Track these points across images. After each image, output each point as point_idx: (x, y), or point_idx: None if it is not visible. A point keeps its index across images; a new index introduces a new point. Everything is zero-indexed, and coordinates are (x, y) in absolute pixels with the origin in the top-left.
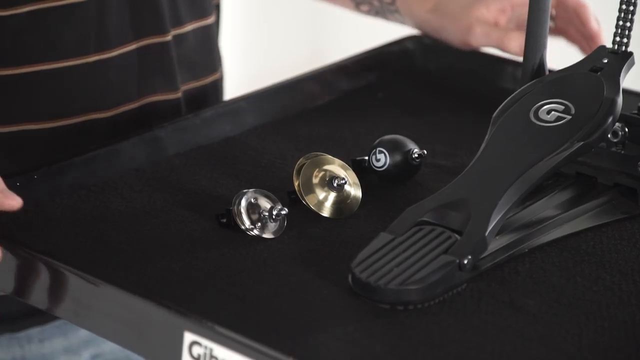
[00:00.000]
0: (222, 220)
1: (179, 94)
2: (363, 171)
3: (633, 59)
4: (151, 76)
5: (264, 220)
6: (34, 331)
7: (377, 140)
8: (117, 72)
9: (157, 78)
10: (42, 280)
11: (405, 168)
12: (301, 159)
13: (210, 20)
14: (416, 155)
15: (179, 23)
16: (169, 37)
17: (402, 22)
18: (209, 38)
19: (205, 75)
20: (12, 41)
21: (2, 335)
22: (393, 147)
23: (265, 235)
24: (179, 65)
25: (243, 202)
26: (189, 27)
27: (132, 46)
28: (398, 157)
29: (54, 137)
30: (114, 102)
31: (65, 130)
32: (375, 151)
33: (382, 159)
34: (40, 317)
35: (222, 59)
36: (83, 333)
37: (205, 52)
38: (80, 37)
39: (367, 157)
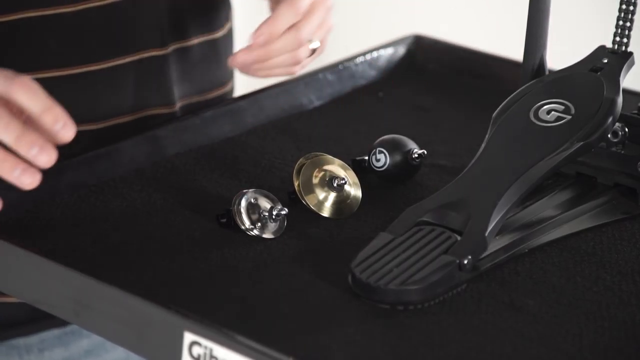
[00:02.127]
0: (222, 220)
1: (175, 108)
2: (363, 171)
3: (633, 59)
4: (146, 90)
5: (264, 221)
6: (34, 341)
7: (377, 140)
8: (107, 84)
9: (152, 92)
10: (42, 280)
11: (405, 168)
12: (301, 159)
13: (220, 33)
14: (416, 155)
15: (182, 37)
16: (167, 51)
17: None
18: (217, 52)
19: (210, 90)
20: None
21: (3, 344)
22: (393, 147)
23: (265, 235)
24: (181, 79)
25: (243, 202)
26: (194, 41)
27: (126, 59)
28: (398, 157)
29: None
30: (104, 115)
31: None
32: (375, 151)
33: (382, 159)
34: (38, 323)
35: (232, 73)
36: (84, 343)
37: (212, 66)
38: (63, 49)
39: (367, 157)
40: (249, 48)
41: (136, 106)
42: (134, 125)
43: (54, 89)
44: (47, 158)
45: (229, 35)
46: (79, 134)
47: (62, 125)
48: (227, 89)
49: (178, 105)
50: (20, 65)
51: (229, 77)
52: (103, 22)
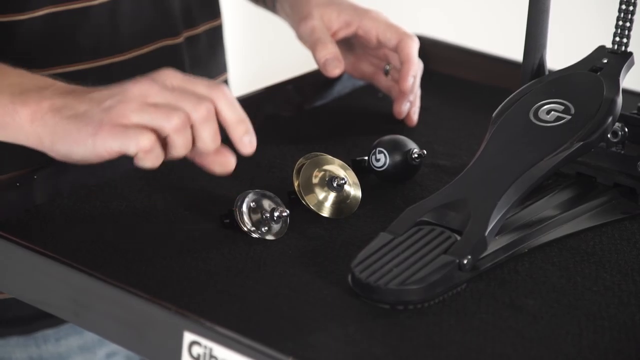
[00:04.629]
0: (225, 221)
1: None
2: (363, 171)
3: (633, 59)
4: None
5: (266, 222)
6: (50, 331)
7: (377, 140)
8: (129, 75)
9: None
10: (42, 280)
11: (405, 168)
12: (301, 159)
13: (220, 21)
14: (416, 155)
15: (191, 24)
16: (180, 39)
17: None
18: (219, 38)
19: (217, 75)
20: (27, 45)
21: (19, 336)
22: (393, 147)
23: (267, 237)
24: (193, 66)
25: (245, 204)
26: (201, 29)
27: (145, 49)
28: (398, 157)
29: None
30: None
31: None
32: (375, 151)
33: (382, 159)
34: (55, 317)
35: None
36: None
37: (217, 53)
38: (94, 41)
39: (367, 157)
40: (405, 97)
41: None
42: None
43: (83, 81)
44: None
45: (222, 25)
46: None
47: (249, 139)
48: (226, 75)
49: None
50: (51, 59)
51: (225, 65)
52: (127, 13)
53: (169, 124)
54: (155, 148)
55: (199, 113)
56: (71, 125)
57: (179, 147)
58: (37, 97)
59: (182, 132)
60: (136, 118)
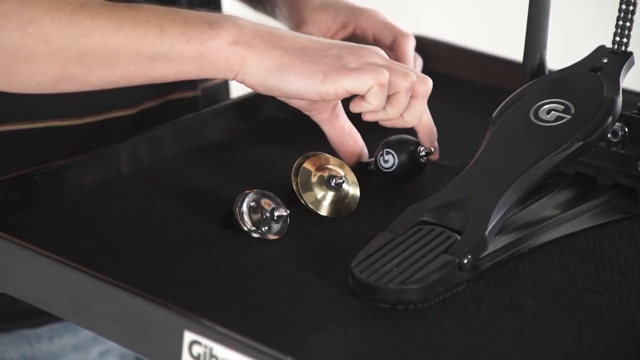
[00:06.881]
0: (225, 221)
1: (198, 92)
2: (369, 174)
3: (633, 59)
4: None
5: (266, 222)
6: (44, 329)
7: (383, 142)
8: None
9: None
10: (42, 280)
11: (413, 166)
12: (300, 158)
13: None
14: (423, 153)
15: None
16: None
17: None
18: None
19: None
20: None
21: (12, 334)
22: (400, 147)
23: (267, 237)
24: None
25: (245, 204)
26: None
27: None
28: (405, 157)
29: (80, 134)
30: (137, 100)
31: (91, 127)
32: (383, 152)
33: (390, 160)
34: (51, 315)
35: None
36: None
37: None
38: None
39: (372, 159)
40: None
41: (162, 90)
42: (161, 110)
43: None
44: None
45: None
46: (115, 121)
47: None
48: None
49: (200, 88)
50: None
51: None
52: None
53: (404, 76)
54: (387, 86)
55: (423, 87)
56: (293, 57)
57: (401, 99)
58: (234, 24)
59: (409, 88)
60: (371, 60)
